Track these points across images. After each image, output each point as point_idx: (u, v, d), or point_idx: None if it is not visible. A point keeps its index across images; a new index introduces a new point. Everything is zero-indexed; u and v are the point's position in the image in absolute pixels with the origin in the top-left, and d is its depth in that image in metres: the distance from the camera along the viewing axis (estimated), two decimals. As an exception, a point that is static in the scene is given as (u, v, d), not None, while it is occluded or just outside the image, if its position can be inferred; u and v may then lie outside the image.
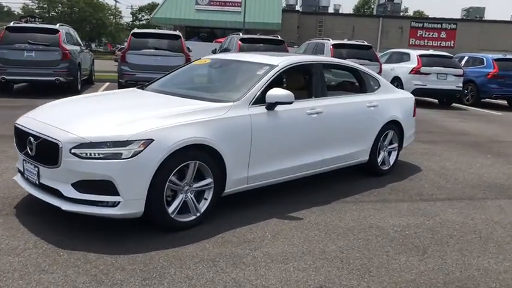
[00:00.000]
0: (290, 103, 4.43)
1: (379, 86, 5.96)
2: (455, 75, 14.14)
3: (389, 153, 6.10)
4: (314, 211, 4.52)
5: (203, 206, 4.01)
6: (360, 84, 5.81)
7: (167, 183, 3.68)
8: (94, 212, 3.57)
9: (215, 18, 31.16)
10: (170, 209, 3.76)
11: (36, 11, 61.29)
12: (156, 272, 3.16)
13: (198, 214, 3.97)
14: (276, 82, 5.37)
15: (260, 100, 4.40)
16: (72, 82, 11.93)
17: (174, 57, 11.70)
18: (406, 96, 6.43)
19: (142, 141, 3.54)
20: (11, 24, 12.02)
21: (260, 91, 4.43)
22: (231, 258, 3.43)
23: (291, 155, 4.68)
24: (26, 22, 27.85)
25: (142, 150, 3.52)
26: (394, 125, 5.97)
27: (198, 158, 3.85)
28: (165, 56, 11.80)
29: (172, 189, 3.80)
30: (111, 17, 73.24)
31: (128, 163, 3.49)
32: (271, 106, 4.42)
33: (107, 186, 3.50)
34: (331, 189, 5.27)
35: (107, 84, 15.52)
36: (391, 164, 6.08)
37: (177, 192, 3.84)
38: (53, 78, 11.50)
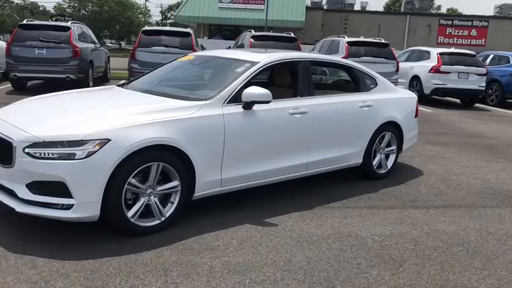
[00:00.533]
0: (267, 102, 4.18)
1: (376, 85, 5.63)
2: (477, 74, 13.53)
3: (387, 156, 5.76)
4: (292, 217, 4.27)
5: (169, 210, 3.81)
6: (354, 83, 5.50)
7: (126, 185, 3.49)
8: (48, 215, 3.41)
9: (238, 16, 30.99)
10: (130, 213, 3.58)
11: (68, 10, 62.57)
12: (100, 281, 2.98)
13: (163, 218, 3.77)
14: (258, 80, 5.15)
15: (237, 99, 4.17)
16: (83, 79, 11.93)
17: (184, 55, 11.53)
18: (406, 96, 6.07)
19: (98, 141, 3.36)
20: (24, 21, 12.13)
21: (237, 89, 4.20)
22: (186, 267, 3.22)
23: (271, 157, 4.43)
24: (56, 21, 28.41)
25: (97, 151, 3.34)
26: (391, 127, 5.64)
27: (162, 159, 3.65)
28: (175, 54, 11.62)
29: (134, 192, 3.62)
30: (140, 15, 74.13)
31: (81, 164, 3.32)
32: (248, 105, 4.19)
33: (60, 188, 3.34)
34: (318, 193, 4.99)
35: (122, 82, 15.52)
36: (389, 167, 5.75)
37: (138, 195, 3.65)
38: (64, 76, 11.54)
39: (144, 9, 76.47)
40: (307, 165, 4.79)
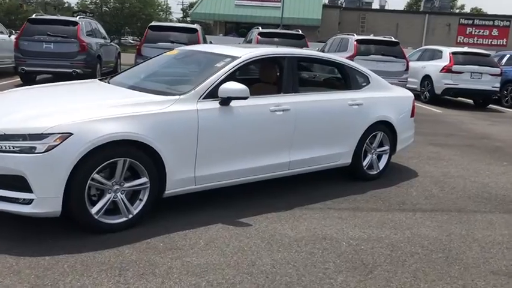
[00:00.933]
0: (244, 98, 4.05)
1: (368, 82, 5.44)
2: (491, 75, 13.13)
3: (379, 157, 5.57)
4: (269, 217, 4.13)
5: (137, 207, 3.72)
6: (344, 80, 5.31)
7: (89, 181, 3.40)
8: (8, 209, 3.34)
9: (254, 13, 30.86)
10: (94, 209, 3.48)
11: (90, 6, 63.34)
12: (50, 279, 2.89)
13: (130, 216, 3.67)
14: (245, 76, 5.07)
15: (214, 95, 4.05)
16: (90, 74, 11.95)
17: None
18: (401, 95, 5.85)
19: (59, 135, 3.27)
20: (33, 16, 12.21)
21: (214, 85, 4.08)
22: (144, 267, 3.11)
23: (250, 155, 4.30)
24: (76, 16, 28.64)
25: (58, 145, 3.26)
26: (384, 126, 5.44)
27: (129, 155, 3.55)
28: (181, 50, 11.59)
29: (99, 188, 3.53)
30: (161, 12, 74.59)
31: (41, 158, 3.24)
32: (224, 101, 4.06)
33: (20, 182, 3.26)
34: (301, 192, 4.84)
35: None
36: (381, 168, 5.55)
37: (104, 191, 3.55)
38: (70, 70, 11.57)
39: (165, 7, 77.02)
40: (290, 164, 4.64)
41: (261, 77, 5.10)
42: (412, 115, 5.92)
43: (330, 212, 4.37)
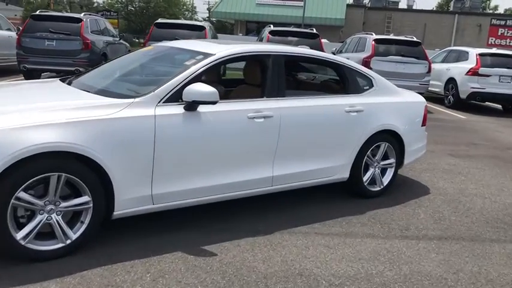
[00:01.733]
0: (212, 103, 3.42)
1: (372, 86, 4.73)
2: (522, 78, 12.13)
3: (383, 171, 4.86)
4: (241, 244, 3.48)
5: (78, 231, 3.13)
6: (343, 83, 4.62)
7: (12, 200, 2.83)
8: None
9: (276, 12, 30.19)
10: (20, 234, 2.91)
11: (116, 5, 63.86)
12: None
13: (68, 241, 3.09)
14: (213, 76, 4.45)
15: (179, 98, 3.44)
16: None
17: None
18: (411, 100, 5.12)
19: (-28, 146, 2.71)
20: (37, 12, 11.86)
21: (179, 86, 3.47)
22: (63, 311, 2.52)
23: (222, 169, 3.67)
24: (102, 16, 28.61)
25: (-30, 158, 2.70)
26: (389, 136, 4.73)
27: (65, 169, 2.96)
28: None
29: (29, 209, 2.95)
30: (186, 12, 74.69)
31: (-51, 173, 2.68)
32: (190, 106, 3.44)
33: None
34: (286, 212, 4.18)
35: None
36: (385, 184, 4.84)
37: (35, 212, 2.98)
38: (73, 69, 11.12)
39: (190, 6, 77.10)
40: (273, 180, 3.99)
41: (245, 79, 4.47)
42: (424, 123, 5.18)
43: (315, 239, 3.69)
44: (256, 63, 4.18)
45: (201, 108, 3.50)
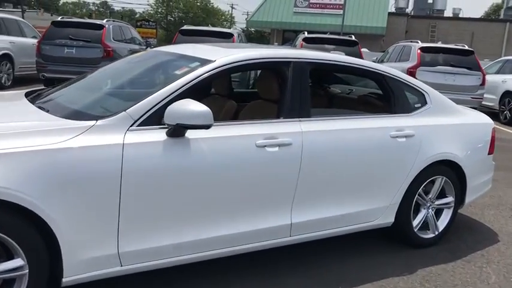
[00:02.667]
0: (205, 127, 2.47)
1: (425, 103, 3.66)
2: None
3: (439, 213, 3.77)
4: (241, 325, 2.49)
5: (8, 306, 2.22)
6: (388, 99, 3.57)
7: None
8: None
9: (314, 21, 29.13)
10: None
11: (156, 15, 64.66)
12: None
13: (-3, 320, 2.19)
14: (222, 88, 3.54)
15: (160, 120, 2.50)
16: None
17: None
18: (475, 122, 3.99)
19: None
20: (58, 19, 11.32)
21: (161, 104, 2.54)
22: None
23: (220, 216, 2.70)
24: (140, 26, 28.32)
25: None
26: (447, 168, 3.65)
27: (-15, 223, 2.07)
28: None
29: None
30: (225, 22, 74.79)
31: None
32: (176, 131, 2.50)
33: None
34: (305, 270, 3.15)
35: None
36: (441, 229, 3.75)
37: None
38: (93, 78, 10.47)
39: (229, 16, 77.17)
40: (292, 229, 2.99)
41: (260, 93, 3.49)
42: (491, 151, 4.05)
43: (347, 316, 2.66)
44: (271, 73, 3.21)
45: (191, 134, 2.55)
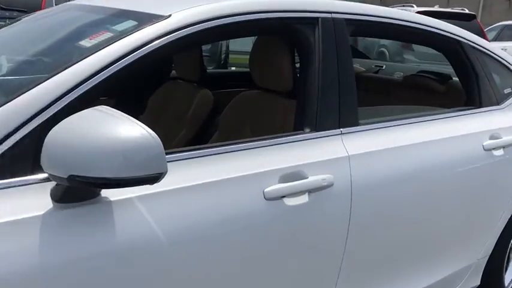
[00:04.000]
0: (150, 180, 0.98)
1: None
2: None
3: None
4: None
5: None
6: (467, 83, 2.12)
7: None
8: None
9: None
10: None
11: None
12: None
13: None
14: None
15: (36, 160, 0.99)
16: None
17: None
18: None
19: None
20: None
21: (40, 119, 1.05)
22: None
23: None
24: None
25: None
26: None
27: None
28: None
29: None
30: None
31: None
32: (71, 191, 1.01)
33: None
34: None
35: None
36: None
37: None
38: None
39: None
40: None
41: (256, 78, 1.96)
42: None
43: None
44: (279, 42, 1.70)
45: (118, 192, 1.07)
